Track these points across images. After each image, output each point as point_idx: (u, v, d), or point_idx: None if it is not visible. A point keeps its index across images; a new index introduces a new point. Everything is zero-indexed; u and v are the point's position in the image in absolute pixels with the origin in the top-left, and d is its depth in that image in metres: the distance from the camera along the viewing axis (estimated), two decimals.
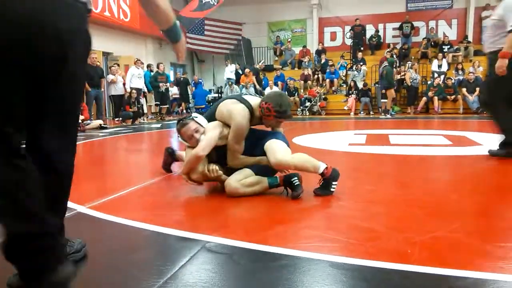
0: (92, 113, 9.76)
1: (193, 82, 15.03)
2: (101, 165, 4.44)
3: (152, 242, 1.94)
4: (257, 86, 13.17)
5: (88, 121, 8.56)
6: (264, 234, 1.96)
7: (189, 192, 2.80)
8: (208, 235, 1.91)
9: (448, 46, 14.31)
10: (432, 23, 15.74)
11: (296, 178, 2.65)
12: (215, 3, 13.79)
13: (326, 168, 2.65)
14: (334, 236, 1.89)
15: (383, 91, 11.29)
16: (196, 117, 2.82)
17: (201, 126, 2.76)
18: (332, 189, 2.63)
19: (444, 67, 13.20)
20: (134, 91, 10.71)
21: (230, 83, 14.00)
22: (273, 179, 2.72)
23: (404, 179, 3.31)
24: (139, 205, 2.65)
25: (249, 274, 1.54)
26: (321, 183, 2.66)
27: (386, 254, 1.67)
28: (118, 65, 11.31)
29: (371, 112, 12.35)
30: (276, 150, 2.66)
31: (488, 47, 3.89)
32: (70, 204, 2.47)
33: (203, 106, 14.03)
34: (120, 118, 10.56)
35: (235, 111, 2.66)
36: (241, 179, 2.64)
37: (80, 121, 8.12)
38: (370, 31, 15.83)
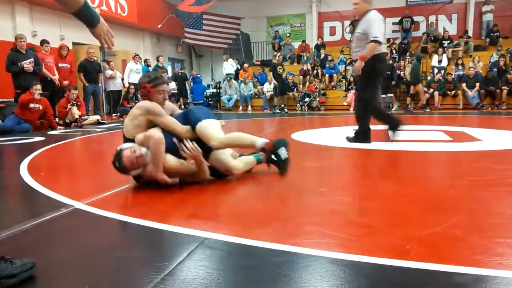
0: (90, 109, 9.73)
1: (191, 77, 14.98)
2: (98, 161, 4.42)
3: (150, 238, 1.93)
4: (274, 82, 12.93)
5: (85, 117, 8.52)
6: (262, 230, 1.94)
7: (187, 188, 2.79)
8: (206, 231, 1.90)
9: (448, 41, 14.28)
10: (432, 18, 15.69)
11: (284, 149, 2.80)
12: None
13: (267, 143, 2.74)
14: (333, 232, 1.88)
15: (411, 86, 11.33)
16: (123, 149, 2.68)
17: (132, 145, 2.68)
18: (283, 158, 2.72)
19: (444, 62, 13.17)
20: (132, 86, 10.67)
21: (228, 78, 13.97)
22: (258, 156, 3.01)
23: (403, 175, 3.30)
24: (136, 202, 2.64)
25: (248, 271, 1.53)
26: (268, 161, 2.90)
27: (385, 250, 1.66)
28: (107, 62, 11.18)
29: None
30: (212, 134, 2.75)
31: (355, 55, 4.60)
32: (67, 200, 2.47)
33: (201, 101, 13.99)
34: (118, 114, 10.53)
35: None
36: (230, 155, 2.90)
37: (77, 116, 8.10)
38: None
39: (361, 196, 2.59)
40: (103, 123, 8.64)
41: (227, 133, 2.84)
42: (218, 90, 14.74)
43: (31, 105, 7.12)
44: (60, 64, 8.90)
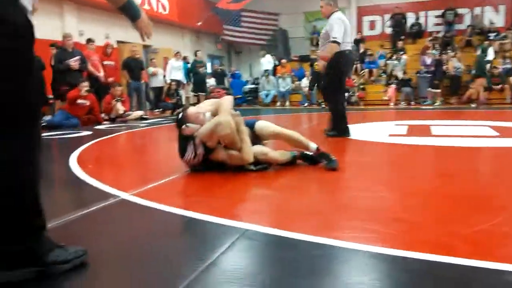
0: (133, 105, 10.05)
1: (230, 73, 15.11)
2: (142, 154, 4.57)
3: (193, 228, 1.99)
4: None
5: (129, 112, 8.81)
6: (302, 223, 1.96)
7: (228, 180, 2.85)
8: (248, 223, 1.93)
9: (495, 34, 13.61)
10: (477, 10, 15.01)
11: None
12: None
13: (318, 148, 3.13)
14: (374, 226, 1.86)
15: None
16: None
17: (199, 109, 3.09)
18: (333, 159, 3.04)
19: (490, 56, 12.57)
20: (173, 83, 10.92)
21: (266, 74, 13.99)
22: (293, 153, 3.22)
23: (447, 171, 3.21)
24: (180, 193, 2.73)
25: (288, 263, 1.55)
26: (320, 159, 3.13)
27: (428, 245, 1.63)
28: (150, 60, 11.51)
29: (412, 102, 12.00)
30: (269, 126, 3.27)
31: (321, 53, 5.12)
32: (114, 191, 2.58)
33: (240, 96, 14.08)
34: (160, 109, 10.80)
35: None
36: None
37: (122, 112, 8.39)
38: (411, 19, 15.28)
39: (404, 191, 2.55)
40: (146, 119, 8.90)
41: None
42: (256, 86, 14.78)
43: (79, 101, 7.44)
44: (105, 62, 9.24)
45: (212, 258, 1.57)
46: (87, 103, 7.61)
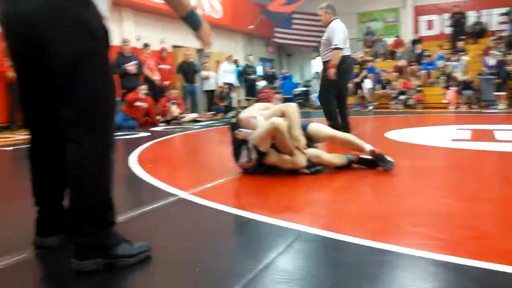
0: (187, 107, 10.34)
1: (280, 76, 15.14)
2: (197, 155, 4.70)
3: (249, 229, 2.01)
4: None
5: (184, 115, 9.07)
6: (360, 227, 1.93)
7: (283, 182, 2.86)
8: (304, 225, 1.93)
9: None
10: None
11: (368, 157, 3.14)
12: None
13: (373, 150, 3.08)
14: (437, 234, 1.80)
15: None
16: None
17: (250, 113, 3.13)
18: (389, 160, 3.01)
19: None
20: (225, 86, 11.11)
21: (317, 76, 13.86)
22: (349, 157, 3.18)
23: None
24: (236, 193, 2.77)
25: (347, 267, 1.53)
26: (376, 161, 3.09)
27: (496, 255, 1.55)
28: (202, 64, 11.76)
29: (474, 106, 11.40)
30: (322, 128, 3.28)
31: (322, 58, 5.39)
32: (173, 190, 2.67)
33: (290, 96, 14.08)
34: (213, 112, 11.04)
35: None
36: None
37: (176, 114, 8.66)
38: (472, 17, 14.52)
39: (468, 198, 2.43)
40: (200, 121, 9.12)
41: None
42: (307, 89, 14.69)
43: (137, 103, 7.77)
44: (160, 66, 9.59)
45: (269, 258, 1.59)
46: (145, 105, 7.93)
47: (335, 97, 5.30)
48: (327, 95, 5.24)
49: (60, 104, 1.48)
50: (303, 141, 3.02)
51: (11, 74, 7.51)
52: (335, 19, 5.08)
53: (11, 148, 5.22)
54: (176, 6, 1.76)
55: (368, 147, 3.10)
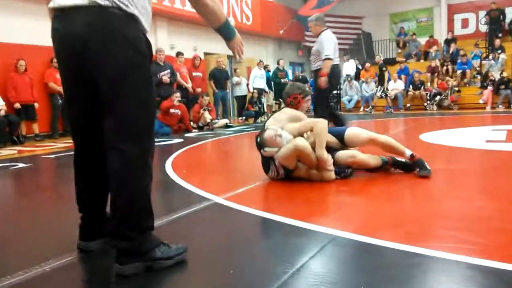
0: (219, 113, 10.49)
1: (311, 79, 15.09)
2: (230, 160, 4.78)
3: (282, 232, 2.04)
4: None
5: (216, 121, 9.21)
6: (394, 231, 1.93)
7: (314, 187, 2.88)
8: (337, 229, 1.95)
9: None
10: None
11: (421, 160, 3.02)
12: (334, 0, 13.66)
13: (413, 155, 3.02)
14: (472, 237, 1.78)
15: None
16: (267, 129, 3.07)
17: (276, 129, 3.01)
18: (428, 167, 2.93)
19: None
20: (256, 91, 11.20)
21: (349, 79, 13.75)
22: (384, 158, 3.12)
23: None
24: (269, 198, 2.82)
25: (380, 270, 1.54)
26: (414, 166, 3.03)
27: None
28: (234, 70, 11.89)
29: None
30: (361, 132, 3.22)
31: (312, 67, 5.63)
32: (207, 195, 2.74)
33: None
34: (244, 117, 11.14)
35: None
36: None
37: (209, 120, 8.81)
38: (510, 14, 13.98)
39: (504, 201, 2.37)
40: (231, 126, 9.24)
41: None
42: (338, 91, 14.56)
43: (171, 110, 7.96)
44: (193, 73, 9.79)
45: (302, 262, 1.62)
46: (179, 112, 8.12)
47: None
48: (321, 103, 5.48)
49: (103, 114, 1.57)
50: (329, 160, 2.95)
51: (53, 85, 7.88)
52: (324, 30, 5.34)
53: (53, 156, 5.48)
54: (209, 18, 1.82)
55: (408, 151, 3.05)
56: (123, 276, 1.56)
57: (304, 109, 3.38)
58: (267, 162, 3.08)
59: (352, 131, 3.23)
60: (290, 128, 3.04)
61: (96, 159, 1.73)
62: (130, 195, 1.55)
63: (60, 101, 8.14)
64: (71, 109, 1.75)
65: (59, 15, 1.57)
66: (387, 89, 12.77)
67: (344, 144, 3.18)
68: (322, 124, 2.99)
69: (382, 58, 13.64)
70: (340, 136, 3.18)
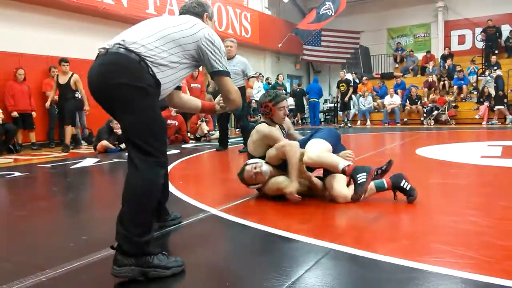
0: (216, 125, 10.49)
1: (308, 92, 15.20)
2: (226, 172, 4.78)
3: (278, 245, 2.05)
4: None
5: (213, 132, 9.22)
6: (389, 245, 1.94)
7: (309, 200, 2.88)
8: (332, 243, 1.96)
9: None
10: None
11: (404, 180, 2.70)
12: (333, 14, 13.82)
13: (348, 165, 2.66)
14: (466, 252, 1.79)
15: None
16: (247, 164, 2.93)
17: (257, 162, 2.90)
18: (359, 185, 2.59)
19: None
20: (253, 101, 11.25)
21: None
22: (380, 183, 2.76)
23: None
24: (263, 211, 2.81)
25: (375, 284, 1.55)
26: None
27: None
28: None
29: (508, 121, 11.09)
30: (307, 150, 2.81)
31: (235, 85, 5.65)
32: (203, 207, 2.74)
33: (316, 99, 14.35)
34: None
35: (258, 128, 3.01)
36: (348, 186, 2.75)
37: (206, 131, 8.82)
38: (506, 32, 14.19)
39: (497, 217, 2.38)
40: (229, 138, 9.23)
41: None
42: (336, 105, 14.66)
43: (168, 121, 7.97)
44: (192, 85, 9.83)
45: (298, 275, 1.63)
46: (176, 123, 8.13)
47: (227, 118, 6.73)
48: (242, 116, 6.47)
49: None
50: (302, 182, 2.90)
51: (50, 94, 7.89)
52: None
53: (50, 165, 5.47)
54: (225, 103, 2.06)
55: (342, 164, 2.74)
56: (118, 277, 1.60)
57: (280, 118, 3.07)
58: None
59: (307, 146, 2.95)
60: (269, 158, 2.92)
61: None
62: (135, 203, 1.65)
63: (57, 111, 8.16)
64: None
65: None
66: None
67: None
68: (292, 147, 2.78)
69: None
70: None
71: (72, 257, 1.87)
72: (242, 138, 6.98)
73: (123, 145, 7.07)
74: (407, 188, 2.68)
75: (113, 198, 3.50)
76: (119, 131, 7.09)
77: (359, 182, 2.60)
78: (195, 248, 2.04)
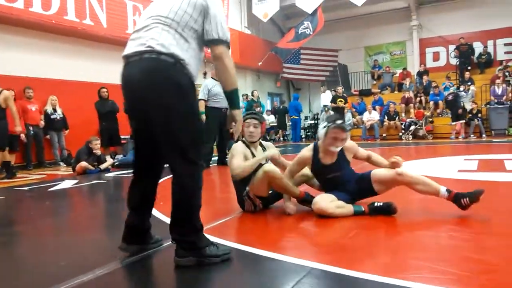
0: None
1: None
2: (208, 191, 4.74)
3: (259, 265, 2.04)
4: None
5: None
6: (370, 263, 1.95)
7: (292, 219, 2.88)
8: (313, 261, 1.95)
9: None
10: None
11: (379, 203, 2.84)
12: (311, 33, 14.09)
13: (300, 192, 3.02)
14: (445, 268, 1.81)
15: None
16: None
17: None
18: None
19: None
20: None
21: (326, 109, 14.03)
22: (358, 207, 2.86)
23: None
24: (246, 230, 2.80)
25: None
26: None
27: None
28: None
29: (483, 136, 11.39)
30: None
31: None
32: None
33: (296, 116, 14.60)
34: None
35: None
36: (330, 200, 2.84)
37: None
38: (478, 48, 14.72)
39: (475, 231, 2.43)
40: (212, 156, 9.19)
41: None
42: (316, 121, 14.82)
43: None
44: None
45: None
46: None
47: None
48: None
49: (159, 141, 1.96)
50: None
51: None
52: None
53: (27, 188, 5.34)
54: (221, 79, 2.13)
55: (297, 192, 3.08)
56: (180, 267, 1.94)
57: (246, 134, 3.19)
58: (242, 197, 3.11)
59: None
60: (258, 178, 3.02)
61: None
62: (186, 206, 1.97)
63: (32, 132, 8.03)
64: (136, 139, 2.19)
65: (125, 62, 1.97)
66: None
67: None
68: (266, 169, 2.92)
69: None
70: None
71: (50, 283, 1.82)
72: (226, 155, 7.01)
73: (103, 166, 6.97)
74: (383, 206, 2.79)
75: (91, 221, 3.43)
76: (99, 152, 7.01)
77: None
78: (173, 270, 2.00)
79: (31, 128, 7.94)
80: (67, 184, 5.47)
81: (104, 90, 8.72)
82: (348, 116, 13.61)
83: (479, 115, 11.75)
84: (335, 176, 3.02)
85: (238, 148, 3.14)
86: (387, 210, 2.79)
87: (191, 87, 1.97)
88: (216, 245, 2.02)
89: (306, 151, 3.10)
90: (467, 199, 2.66)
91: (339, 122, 2.91)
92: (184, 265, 1.94)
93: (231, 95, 2.12)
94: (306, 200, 3.04)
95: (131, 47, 1.96)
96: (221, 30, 1.98)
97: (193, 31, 1.96)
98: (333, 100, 13.18)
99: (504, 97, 11.84)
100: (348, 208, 2.85)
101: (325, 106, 14.23)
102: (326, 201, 2.83)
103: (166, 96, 1.87)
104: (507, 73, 12.58)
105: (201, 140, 2.02)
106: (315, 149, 3.07)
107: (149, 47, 1.88)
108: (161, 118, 1.89)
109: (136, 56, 1.91)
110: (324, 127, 2.94)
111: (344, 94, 13.40)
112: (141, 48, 1.90)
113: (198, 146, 1.99)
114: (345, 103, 12.94)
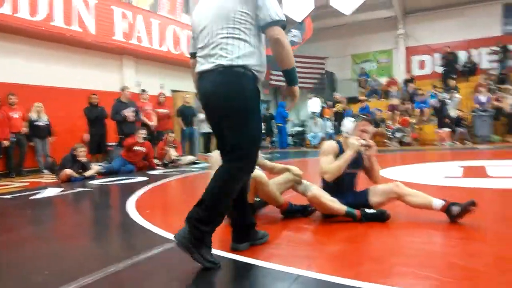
0: (185, 150, 10.43)
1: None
2: (194, 199, 4.70)
3: (246, 273, 2.03)
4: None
5: (181, 157, 9.14)
6: (355, 269, 1.95)
7: (279, 226, 2.88)
8: (299, 268, 1.95)
9: None
10: None
11: (372, 210, 2.89)
12: (300, 41, 14.19)
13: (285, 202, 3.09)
14: (429, 273, 1.82)
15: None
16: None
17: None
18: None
19: None
20: None
21: (314, 116, 14.12)
22: (351, 210, 2.87)
23: (507, 215, 3.06)
24: (230, 238, 2.78)
25: None
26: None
27: None
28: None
29: (468, 142, 11.56)
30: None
31: None
32: (170, 236, 2.68)
33: (281, 124, 14.58)
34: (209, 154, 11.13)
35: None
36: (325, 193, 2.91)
37: (175, 157, 8.74)
38: (463, 57, 14.99)
39: (459, 237, 2.45)
40: (197, 163, 9.18)
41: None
42: (303, 128, 14.87)
43: (135, 148, 7.86)
44: (159, 110, 9.79)
45: None
46: (144, 149, 8.01)
47: None
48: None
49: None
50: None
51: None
52: None
53: (10, 196, 5.25)
54: (279, 59, 2.16)
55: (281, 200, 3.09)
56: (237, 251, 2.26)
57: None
58: None
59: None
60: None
61: None
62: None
63: (15, 139, 7.91)
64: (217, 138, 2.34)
65: (199, 77, 2.16)
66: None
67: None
68: (255, 174, 2.83)
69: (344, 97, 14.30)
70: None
71: None
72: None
73: (88, 173, 6.89)
74: (377, 213, 2.84)
75: (76, 229, 3.38)
76: (84, 159, 6.93)
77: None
78: (160, 280, 1.98)
79: (13, 135, 7.82)
80: (51, 192, 5.39)
81: (95, 96, 8.69)
82: (330, 123, 13.75)
83: (465, 122, 11.93)
84: (353, 173, 3.07)
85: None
86: (381, 218, 2.83)
87: (259, 97, 2.16)
88: (213, 256, 2.04)
89: (330, 143, 3.13)
90: (459, 209, 2.70)
91: (365, 116, 3.11)
92: (242, 250, 2.28)
93: (291, 73, 2.18)
94: (290, 211, 3.06)
95: (203, 65, 2.12)
96: (273, 12, 2.04)
97: (251, 26, 2.08)
98: (333, 105, 13.31)
99: (488, 105, 12.04)
100: (341, 206, 2.86)
101: (313, 113, 14.32)
102: (321, 191, 2.91)
103: (236, 106, 2.07)
104: (490, 82, 12.80)
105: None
106: (338, 143, 3.10)
107: (218, 65, 2.05)
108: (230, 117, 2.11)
109: (208, 73, 2.08)
110: (354, 121, 3.07)
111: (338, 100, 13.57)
112: (210, 66, 2.07)
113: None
114: (343, 108, 13.07)
